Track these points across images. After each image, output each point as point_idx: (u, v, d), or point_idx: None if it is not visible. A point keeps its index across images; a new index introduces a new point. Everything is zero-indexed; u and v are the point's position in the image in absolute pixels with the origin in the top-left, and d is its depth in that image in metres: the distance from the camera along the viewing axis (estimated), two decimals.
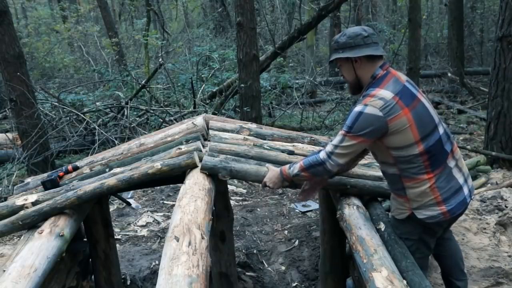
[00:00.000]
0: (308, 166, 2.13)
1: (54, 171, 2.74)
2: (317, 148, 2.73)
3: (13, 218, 2.23)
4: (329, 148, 2.07)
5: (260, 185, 2.36)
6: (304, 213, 4.54)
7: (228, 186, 3.80)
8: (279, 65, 10.11)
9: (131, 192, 5.02)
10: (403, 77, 2.07)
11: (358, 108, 1.96)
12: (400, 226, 2.14)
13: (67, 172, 2.66)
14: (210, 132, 2.89)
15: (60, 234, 2.10)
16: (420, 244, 2.14)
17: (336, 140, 2.04)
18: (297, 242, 3.99)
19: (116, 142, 5.50)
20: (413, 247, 2.11)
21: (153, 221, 4.45)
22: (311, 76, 9.54)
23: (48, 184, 2.51)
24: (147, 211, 4.67)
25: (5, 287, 1.68)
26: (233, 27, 10.82)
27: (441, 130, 2.04)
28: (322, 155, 2.08)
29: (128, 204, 4.78)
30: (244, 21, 5.80)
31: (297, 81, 9.84)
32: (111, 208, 4.59)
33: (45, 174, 2.72)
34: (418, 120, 1.94)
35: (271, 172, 2.28)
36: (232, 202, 4.41)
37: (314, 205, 4.63)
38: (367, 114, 1.92)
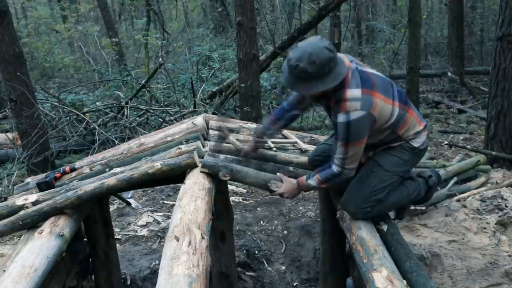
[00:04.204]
0: (326, 179, 2.17)
1: (51, 172, 2.73)
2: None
3: (13, 218, 2.23)
4: (337, 161, 2.10)
5: (271, 193, 2.39)
6: None
7: (228, 186, 3.80)
8: (279, 65, 10.09)
9: (131, 192, 5.02)
10: (347, 60, 2.06)
11: (342, 118, 1.97)
12: (398, 159, 2.18)
13: (65, 173, 2.67)
14: (210, 132, 2.89)
15: (60, 234, 2.10)
16: (406, 173, 2.26)
17: (339, 152, 2.06)
18: (297, 242, 3.99)
19: (116, 142, 5.50)
20: (400, 177, 2.22)
21: (153, 221, 4.45)
22: None
23: (44, 186, 2.51)
24: (147, 211, 4.67)
25: (5, 287, 1.69)
26: (233, 27, 10.81)
27: (393, 84, 2.16)
28: (335, 168, 2.12)
29: (128, 204, 4.78)
30: (244, 20, 5.79)
31: None
32: (111, 208, 4.59)
33: (43, 175, 2.72)
34: (383, 91, 2.03)
35: (288, 184, 2.31)
36: (232, 202, 4.41)
37: None
38: (355, 120, 1.95)
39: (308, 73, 1.91)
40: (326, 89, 1.95)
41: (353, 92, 1.96)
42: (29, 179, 2.79)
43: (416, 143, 2.17)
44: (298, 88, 2.04)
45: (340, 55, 2.06)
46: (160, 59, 8.12)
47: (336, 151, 2.08)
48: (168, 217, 4.47)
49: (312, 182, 2.21)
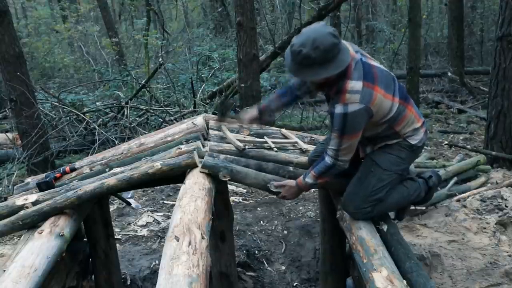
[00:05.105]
0: (320, 173, 2.16)
1: (51, 172, 2.73)
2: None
3: (13, 218, 2.23)
4: (331, 152, 2.09)
5: (276, 195, 2.41)
6: None
7: (228, 186, 3.80)
8: (279, 65, 10.10)
9: (131, 192, 5.02)
10: (352, 50, 2.04)
11: (339, 109, 1.95)
12: (396, 157, 2.18)
13: (65, 173, 2.67)
14: (210, 132, 2.89)
15: (60, 234, 2.10)
16: (405, 171, 2.26)
17: (333, 143, 2.06)
18: (297, 242, 3.99)
19: (116, 142, 5.50)
20: (399, 176, 2.22)
21: (153, 221, 4.45)
22: None
23: (44, 186, 2.51)
24: (147, 211, 4.67)
25: (5, 287, 1.69)
26: (233, 27, 10.81)
27: (396, 79, 2.15)
28: (329, 159, 2.11)
29: (128, 204, 4.78)
30: (244, 20, 5.79)
31: None
32: (111, 208, 4.59)
33: (43, 175, 2.72)
34: (384, 86, 2.02)
35: (288, 187, 2.32)
36: (232, 202, 4.41)
37: None
38: (352, 113, 1.94)
39: (311, 59, 1.87)
40: (329, 75, 1.92)
41: (354, 84, 1.95)
42: (29, 179, 2.79)
43: (413, 140, 2.17)
44: (301, 75, 1.99)
45: (345, 43, 2.04)
46: (160, 59, 8.12)
47: (330, 142, 2.07)
48: (168, 217, 4.47)
49: (309, 179, 2.22)
